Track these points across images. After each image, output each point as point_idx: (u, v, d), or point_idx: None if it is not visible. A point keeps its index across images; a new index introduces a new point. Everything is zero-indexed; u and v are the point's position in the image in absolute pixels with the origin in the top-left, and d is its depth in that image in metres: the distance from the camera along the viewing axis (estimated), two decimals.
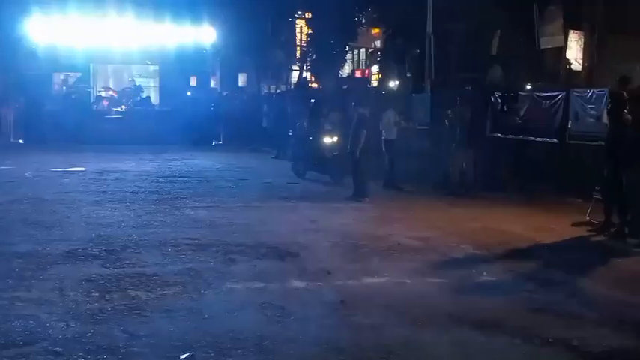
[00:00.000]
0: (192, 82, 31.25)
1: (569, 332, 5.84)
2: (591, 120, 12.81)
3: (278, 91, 31.86)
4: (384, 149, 14.74)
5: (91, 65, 30.51)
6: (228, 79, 34.76)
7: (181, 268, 7.83)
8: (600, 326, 6.01)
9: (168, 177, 16.09)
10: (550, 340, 5.64)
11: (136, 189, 13.89)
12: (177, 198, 12.89)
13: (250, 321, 6.10)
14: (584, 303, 6.66)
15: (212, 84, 33.55)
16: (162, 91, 30.96)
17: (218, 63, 33.44)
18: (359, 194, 12.87)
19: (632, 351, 5.42)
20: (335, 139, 15.11)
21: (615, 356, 5.33)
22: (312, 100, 19.82)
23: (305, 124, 17.39)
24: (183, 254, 8.45)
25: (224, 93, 31.68)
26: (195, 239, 9.20)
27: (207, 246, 8.84)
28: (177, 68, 29.05)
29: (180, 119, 25.23)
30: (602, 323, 6.08)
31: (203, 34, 29.73)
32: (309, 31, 35.38)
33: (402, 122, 15.11)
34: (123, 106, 29.63)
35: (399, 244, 9.13)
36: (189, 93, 30.04)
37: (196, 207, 11.92)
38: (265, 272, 7.69)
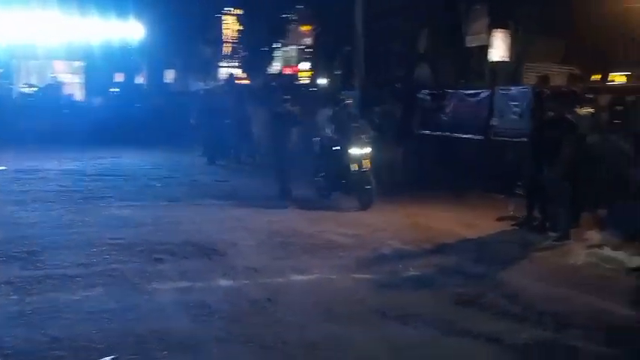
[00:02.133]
0: (118, 78, 30.65)
1: (492, 326, 5.95)
2: (515, 117, 13.09)
3: (206, 87, 31.51)
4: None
5: (13, 61, 29.57)
6: (155, 75, 34.24)
7: (105, 268, 7.64)
8: (522, 319, 6.14)
9: (93, 175, 15.68)
10: (474, 333, 5.74)
11: (59, 188, 13.48)
12: (101, 197, 12.59)
13: (176, 321, 6.01)
14: (507, 296, 6.79)
15: (138, 80, 32.99)
16: (88, 87, 30.24)
17: (144, 59, 32.90)
18: (285, 191, 12.81)
19: (552, 343, 5.56)
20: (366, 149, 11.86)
21: (536, 348, 5.45)
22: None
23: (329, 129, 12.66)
24: (107, 254, 8.25)
25: (150, 89, 31.17)
26: (120, 239, 9.00)
27: (132, 246, 8.65)
28: (102, 64, 28.43)
29: (105, 116, 24.69)
30: (525, 316, 6.21)
31: (129, 30, 29.19)
32: (240, 28, 35.21)
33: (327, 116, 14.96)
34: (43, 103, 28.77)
35: (328, 241, 9.14)
36: (114, 90, 29.45)
37: (121, 206, 11.66)
38: (191, 271, 7.58)
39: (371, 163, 11.70)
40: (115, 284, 7.05)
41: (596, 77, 17.88)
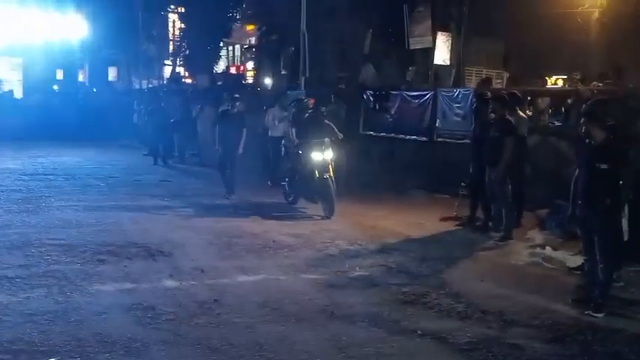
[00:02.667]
0: (59, 75, 30.01)
1: (437, 324, 6.03)
2: (458, 119, 13.29)
3: (150, 86, 31.12)
4: (269, 146, 14.59)
5: None
6: (98, 73, 33.65)
7: (46, 270, 7.48)
8: (466, 317, 6.23)
9: (33, 174, 15.35)
10: (419, 332, 5.80)
11: None
12: (42, 197, 12.32)
13: (119, 323, 5.91)
14: (451, 295, 6.88)
15: (80, 78, 32.37)
16: (26, 84, 29.55)
17: (87, 56, 32.29)
18: (231, 190, 12.72)
19: (495, 340, 5.64)
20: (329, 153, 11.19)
21: (480, 346, 5.53)
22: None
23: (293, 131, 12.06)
24: (49, 255, 8.07)
25: (93, 89, 30.63)
26: (61, 240, 8.82)
27: (74, 247, 8.49)
28: (42, 61, 27.80)
29: (46, 114, 24.17)
30: (468, 315, 6.30)
31: (71, 26, 28.60)
32: (182, 26, 34.87)
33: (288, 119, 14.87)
34: None
35: (274, 241, 9.12)
36: (55, 87, 28.83)
37: (63, 206, 11.43)
38: (136, 273, 7.48)
39: (333, 168, 11.15)
40: (56, 286, 6.91)
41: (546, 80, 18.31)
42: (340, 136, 11.56)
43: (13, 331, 5.63)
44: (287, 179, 12.05)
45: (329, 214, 10.82)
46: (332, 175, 10.98)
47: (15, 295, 6.57)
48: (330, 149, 11.12)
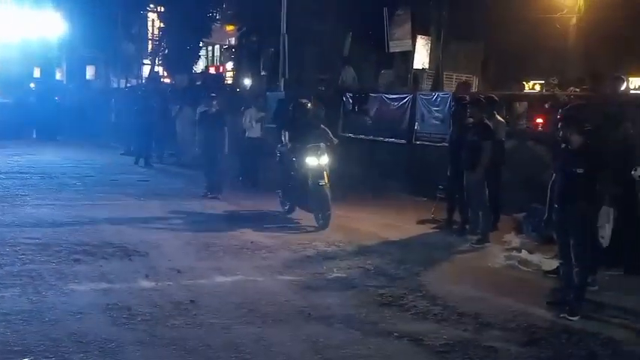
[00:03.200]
0: (36, 73, 29.72)
1: (414, 326, 6.04)
2: (436, 122, 13.34)
3: (129, 85, 30.94)
4: (244, 147, 14.56)
5: None
6: (76, 72, 33.37)
7: (20, 269, 7.41)
8: (442, 320, 6.25)
9: (8, 173, 15.18)
10: (396, 334, 5.81)
11: None
12: (16, 195, 12.19)
13: (94, 323, 5.87)
14: (428, 298, 6.90)
15: (58, 76, 32.08)
16: (2, 82, 29.22)
17: (64, 54, 32.02)
18: (214, 191, 12.67)
19: (471, 343, 5.67)
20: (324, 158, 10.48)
21: (456, 348, 5.55)
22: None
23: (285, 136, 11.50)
24: (23, 254, 7.99)
25: (69, 86, 30.38)
26: (37, 239, 8.73)
27: (50, 246, 8.41)
28: (19, 58, 27.51)
29: (22, 112, 23.93)
30: (444, 317, 6.33)
31: (48, 24, 28.32)
32: (161, 25, 34.69)
33: (264, 120, 14.85)
34: None
35: (251, 242, 9.10)
36: (32, 85, 28.54)
37: (38, 204, 11.32)
38: (112, 273, 7.42)
39: (328, 174, 10.36)
40: (30, 285, 6.84)
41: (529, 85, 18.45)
42: (335, 141, 10.87)
43: None
44: (281, 188, 11.38)
45: (323, 226, 10.09)
46: (327, 182, 10.27)
47: None
48: (326, 155, 10.40)
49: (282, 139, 11.43)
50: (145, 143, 18.10)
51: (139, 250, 8.41)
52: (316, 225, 10.18)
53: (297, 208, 11.00)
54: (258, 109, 14.75)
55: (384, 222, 10.78)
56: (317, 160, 10.32)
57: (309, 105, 11.29)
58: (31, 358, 5.03)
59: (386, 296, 6.88)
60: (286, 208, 11.27)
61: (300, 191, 10.60)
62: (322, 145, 10.46)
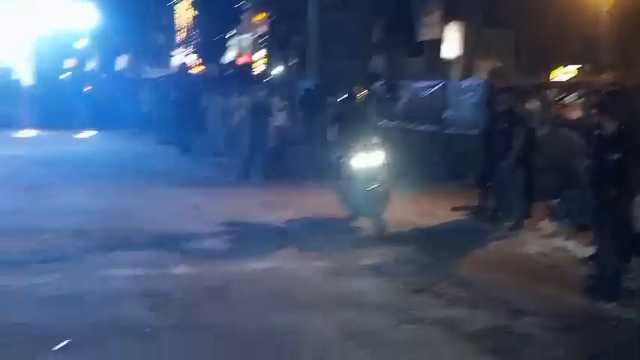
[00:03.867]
0: (69, 64, 30.04)
1: (446, 313, 6.02)
2: (468, 109, 13.26)
3: (160, 75, 31.18)
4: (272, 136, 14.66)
5: None
6: (107, 62, 33.69)
7: (58, 255, 7.55)
8: (475, 307, 6.21)
9: (44, 162, 15.40)
10: (429, 320, 5.80)
11: (7, 173, 13.21)
12: (51, 184, 12.37)
13: (131, 308, 5.95)
14: (460, 284, 6.88)
15: (90, 67, 32.41)
16: (36, 73, 29.59)
17: (97, 44, 32.34)
18: (254, 176, 12.96)
19: (505, 329, 5.65)
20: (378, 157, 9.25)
21: (489, 335, 5.53)
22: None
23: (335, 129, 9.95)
24: (59, 241, 8.13)
25: (102, 76, 30.68)
26: (73, 226, 8.87)
27: (86, 233, 8.54)
28: (52, 50, 27.82)
29: (56, 103, 24.22)
30: (477, 304, 6.30)
31: (82, 15, 28.59)
32: (195, 13, 34.86)
33: (287, 109, 14.99)
34: None
35: (284, 229, 9.14)
36: (65, 76, 28.87)
37: (73, 193, 11.47)
38: (146, 259, 7.52)
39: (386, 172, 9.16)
40: (68, 271, 6.96)
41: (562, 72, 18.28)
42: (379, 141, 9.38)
43: (26, 315, 5.67)
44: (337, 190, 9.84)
45: (378, 238, 8.64)
46: (381, 184, 9.00)
47: (27, 280, 6.62)
48: (379, 152, 9.15)
49: (329, 136, 10.10)
50: (181, 133, 18.23)
51: (173, 236, 8.49)
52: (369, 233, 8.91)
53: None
54: (281, 98, 14.87)
55: (416, 209, 10.72)
56: (365, 161, 9.04)
57: (361, 94, 9.97)
58: (68, 341, 5.11)
59: (418, 283, 6.86)
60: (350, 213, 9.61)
61: (349, 196, 9.42)
62: (375, 140, 9.16)
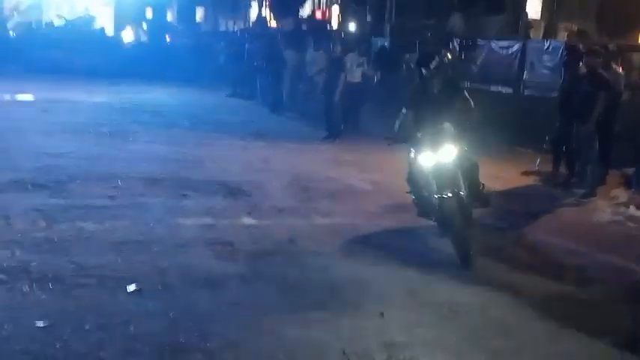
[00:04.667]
0: (148, 13, 30.48)
1: (512, 277, 5.97)
2: (546, 71, 12.92)
3: (237, 28, 31.29)
4: (345, 92, 14.59)
5: None
6: (185, 13, 34.00)
7: (131, 202, 7.76)
8: (543, 273, 6.14)
9: (121, 109, 15.77)
10: (494, 284, 5.76)
11: (88, 120, 13.58)
12: (129, 131, 12.66)
13: (199, 256, 6.10)
14: (528, 249, 6.81)
15: (168, 17, 32.80)
16: (117, 22, 30.19)
17: None
18: (333, 135, 13.00)
19: (572, 297, 5.57)
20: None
21: (556, 302, 5.46)
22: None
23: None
24: (134, 188, 8.35)
25: (179, 27, 31.00)
26: (147, 173, 9.09)
27: (159, 181, 8.74)
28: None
29: (135, 52, 24.68)
30: (545, 270, 6.21)
31: None
32: None
33: (365, 65, 14.83)
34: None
35: (351, 186, 9.16)
36: (144, 25, 29.32)
37: (148, 141, 11.74)
38: (216, 209, 7.66)
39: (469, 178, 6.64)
40: (140, 217, 7.16)
41: None
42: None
43: (98, 258, 5.87)
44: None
45: (465, 266, 6.16)
46: (462, 191, 6.41)
47: (101, 223, 6.85)
48: (452, 141, 6.43)
49: (397, 124, 7.08)
50: (261, 88, 18.30)
51: (242, 188, 8.62)
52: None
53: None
54: (359, 54, 14.70)
55: (486, 172, 10.43)
56: (434, 155, 6.43)
57: (443, 59, 7.03)
58: (140, 286, 5.28)
59: (484, 246, 6.79)
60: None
61: (423, 204, 6.91)
62: (447, 127, 6.46)
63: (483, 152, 12.03)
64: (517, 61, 13.76)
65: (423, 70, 6.80)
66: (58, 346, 4.24)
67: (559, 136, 10.03)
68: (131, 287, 5.23)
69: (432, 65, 6.75)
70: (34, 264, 5.56)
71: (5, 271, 5.39)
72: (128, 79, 22.24)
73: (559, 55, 12.37)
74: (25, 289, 5.07)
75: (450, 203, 6.36)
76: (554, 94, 11.15)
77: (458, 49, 15.72)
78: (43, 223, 6.68)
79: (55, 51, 23.63)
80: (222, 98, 19.58)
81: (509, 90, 13.79)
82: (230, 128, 14.05)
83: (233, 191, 8.48)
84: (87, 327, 4.53)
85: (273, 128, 14.46)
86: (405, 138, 6.75)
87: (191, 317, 4.78)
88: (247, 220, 7.32)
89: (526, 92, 13.38)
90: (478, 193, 6.84)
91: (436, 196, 6.46)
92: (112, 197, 7.86)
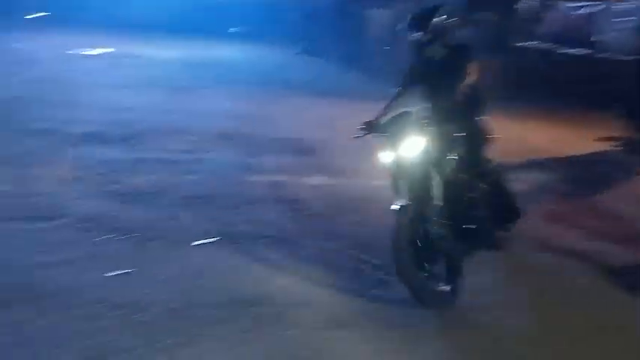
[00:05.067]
0: None
1: (584, 245, 5.86)
2: (624, 33, 12.47)
3: None
4: None
5: None
6: None
7: (202, 157, 7.91)
8: (617, 241, 6.00)
9: (195, 65, 15.80)
10: (566, 250, 5.67)
11: (161, 74, 13.75)
12: (201, 87, 12.76)
13: (270, 213, 6.20)
14: (602, 217, 6.65)
15: None
16: None
17: None
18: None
19: None
20: None
21: (627, 271, 5.35)
22: None
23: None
24: (204, 143, 8.49)
25: None
26: (218, 129, 9.21)
27: (229, 137, 8.85)
28: None
29: (206, 5, 24.59)
30: (619, 238, 6.07)
31: None
32: None
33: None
34: None
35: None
36: None
37: (220, 98, 11.80)
38: (288, 166, 7.75)
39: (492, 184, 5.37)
40: (210, 172, 7.30)
41: None
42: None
43: (170, 209, 6.06)
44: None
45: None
46: (435, 200, 4.70)
47: (175, 176, 7.03)
48: (420, 131, 4.79)
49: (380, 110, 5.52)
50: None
51: (313, 147, 8.66)
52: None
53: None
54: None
55: (558, 137, 10.33)
56: (393, 151, 4.91)
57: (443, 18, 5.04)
58: (209, 240, 5.38)
59: (556, 212, 6.69)
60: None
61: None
62: (417, 111, 5.08)
63: (554, 117, 11.85)
64: (593, 22, 13.32)
65: (417, 35, 4.99)
66: (129, 298, 4.34)
67: (637, 101, 9.72)
68: (210, 239, 5.35)
69: (429, 27, 4.93)
70: (112, 214, 5.76)
71: (85, 219, 5.59)
72: (203, 34, 22.22)
73: (638, 17, 11.94)
74: (97, 240, 5.24)
75: (399, 218, 4.59)
76: (633, 57, 10.77)
77: (527, 6, 15.20)
78: (117, 176, 6.86)
79: (131, 6, 23.80)
80: (291, 55, 19.49)
81: (584, 51, 13.34)
82: (299, 86, 13.96)
83: (304, 149, 8.53)
84: (161, 278, 4.66)
85: (347, 85, 14.26)
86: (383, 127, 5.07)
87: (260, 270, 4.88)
88: (318, 179, 7.36)
89: (602, 54, 12.93)
90: (506, 203, 5.32)
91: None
92: (183, 152, 8.01)
